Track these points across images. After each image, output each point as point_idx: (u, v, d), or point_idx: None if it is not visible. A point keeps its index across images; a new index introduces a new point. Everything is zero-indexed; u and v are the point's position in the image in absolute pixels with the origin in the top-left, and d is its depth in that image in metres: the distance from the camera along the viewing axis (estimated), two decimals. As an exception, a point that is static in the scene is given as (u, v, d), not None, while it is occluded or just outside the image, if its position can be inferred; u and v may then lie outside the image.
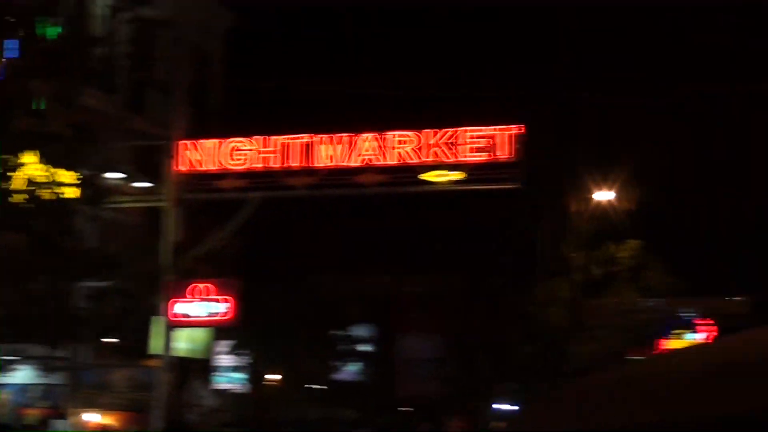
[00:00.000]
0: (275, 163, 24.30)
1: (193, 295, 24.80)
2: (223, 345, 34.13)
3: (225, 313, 24.90)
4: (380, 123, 24.61)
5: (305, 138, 24.28)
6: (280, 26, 45.17)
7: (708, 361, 2.13)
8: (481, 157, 23.38)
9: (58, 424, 25.54)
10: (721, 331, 39.09)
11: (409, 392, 42.32)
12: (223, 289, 24.87)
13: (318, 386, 40.30)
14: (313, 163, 24.11)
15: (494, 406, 41.53)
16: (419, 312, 43.13)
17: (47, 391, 26.28)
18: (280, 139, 24.39)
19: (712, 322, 41.74)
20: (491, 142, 23.39)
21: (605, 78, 44.99)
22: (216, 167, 24.62)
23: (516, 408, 38.56)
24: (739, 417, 1.87)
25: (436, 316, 42.28)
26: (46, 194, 17.46)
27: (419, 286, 43.26)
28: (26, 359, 24.83)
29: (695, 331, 40.94)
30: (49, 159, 17.51)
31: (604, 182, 32.98)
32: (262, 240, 31.75)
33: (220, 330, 28.80)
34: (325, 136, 24.21)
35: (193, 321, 25.14)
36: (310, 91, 31.52)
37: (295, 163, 24.18)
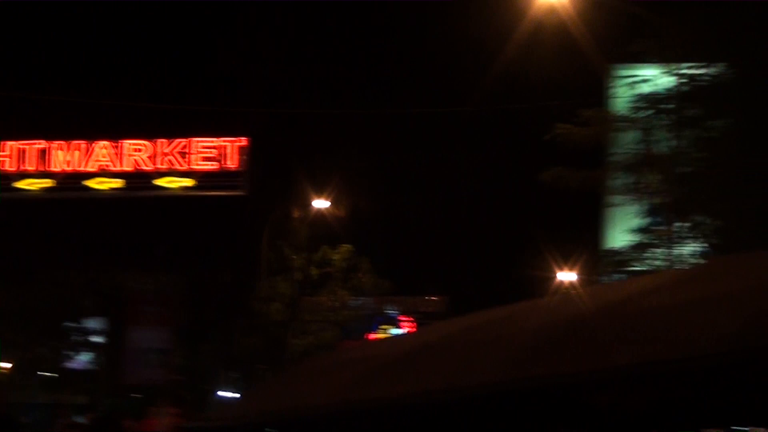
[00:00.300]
0: (11, 167, 23.58)
1: None
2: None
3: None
4: (116, 131, 24.31)
5: (42, 144, 23.69)
6: (17, 34, 43.47)
7: (395, 351, 2.54)
8: (212, 166, 23.60)
9: None
10: (418, 326, 40.89)
11: (137, 380, 41.76)
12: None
13: (50, 374, 39.20)
14: (49, 167, 23.55)
15: (218, 393, 41.63)
16: (150, 306, 42.59)
17: None
18: (16, 144, 23.69)
19: (411, 318, 43.60)
20: (220, 153, 23.64)
21: (324, 95, 46.10)
22: (-52, 169, 23.59)
23: (237, 395, 38.90)
24: (413, 394, 2.23)
25: (166, 310, 41.89)
26: None
27: (151, 282, 42.71)
28: None
29: (398, 327, 42.63)
30: None
31: (322, 191, 33.80)
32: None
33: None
34: (62, 143, 23.72)
35: None
36: (45, 99, 30.59)
37: (30, 167, 23.57)
